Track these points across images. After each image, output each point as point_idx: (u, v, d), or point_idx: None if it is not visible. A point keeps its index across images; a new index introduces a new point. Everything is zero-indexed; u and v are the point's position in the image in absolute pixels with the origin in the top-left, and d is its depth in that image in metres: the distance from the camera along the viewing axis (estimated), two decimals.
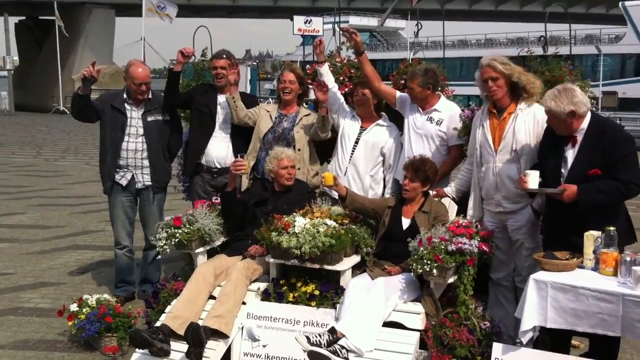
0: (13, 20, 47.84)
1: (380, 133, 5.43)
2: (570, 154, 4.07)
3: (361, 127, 5.45)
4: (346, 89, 5.85)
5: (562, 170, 4.09)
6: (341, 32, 5.39)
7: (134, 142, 5.58)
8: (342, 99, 5.58)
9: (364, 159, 5.34)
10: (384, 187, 5.48)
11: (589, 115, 4.05)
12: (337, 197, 5.14)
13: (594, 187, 3.92)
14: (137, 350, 4.44)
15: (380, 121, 5.48)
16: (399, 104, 5.36)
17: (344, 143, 5.45)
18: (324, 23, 38.73)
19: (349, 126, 5.47)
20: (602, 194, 3.92)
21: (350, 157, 5.39)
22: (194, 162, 5.73)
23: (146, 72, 5.63)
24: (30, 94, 41.84)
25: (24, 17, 49.01)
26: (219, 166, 5.69)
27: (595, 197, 3.92)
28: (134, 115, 5.61)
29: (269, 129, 5.53)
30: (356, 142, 5.42)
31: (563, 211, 4.06)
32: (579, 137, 4.04)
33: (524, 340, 3.78)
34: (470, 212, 4.77)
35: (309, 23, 37.85)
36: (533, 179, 4.11)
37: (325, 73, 5.43)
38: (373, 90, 5.39)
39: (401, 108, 5.36)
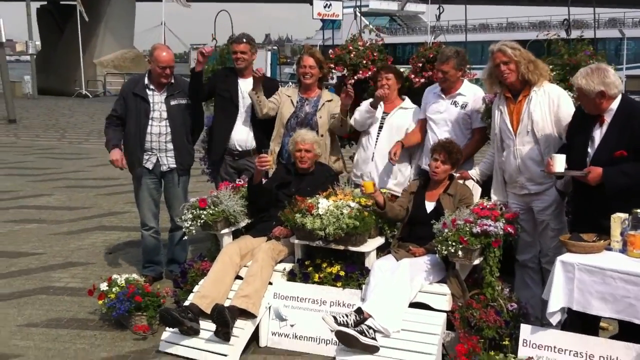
0: (35, 5, 48.16)
1: (404, 116, 5.43)
2: (598, 134, 4.05)
3: (384, 111, 5.45)
4: (369, 72, 5.85)
5: (589, 150, 4.06)
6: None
7: (157, 126, 5.64)
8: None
9: (389, 143, 5.32)
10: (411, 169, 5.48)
11: (619, 97, 4.02)
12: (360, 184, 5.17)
13: (619, 170, 3.89)
14: (167, 329, 4.54)
15: (403, 104, 5.48)
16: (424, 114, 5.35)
17: (368, 129, 5.46)
18: (343, 7, 38.49)
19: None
20: (628, 177, 3.89)
21: (376, 142, 5.41)
22: (222, 147, 5.77)
23: (171, 55, 5.67)
24: (53, 78, 42.09)
25: (45, 2, 49.25)
26: (240, 149, 5.74)
27: (621, 180, 3.89)
28: (157, 100, 5.65)
29: (292, 114, 5.55)
30: (380, 127, 5.43)
31: (589, 193, 4.04)
32: (608, 118, 4.01)
33: (553, 321, 3.78)
34: (493, 197, 4.77)
35: (329, 7, 37.59)
36: (559, 163, 4.09)
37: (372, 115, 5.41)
38: (397, 76, 5.40)
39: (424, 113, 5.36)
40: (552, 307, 3.74)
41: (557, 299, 3.74)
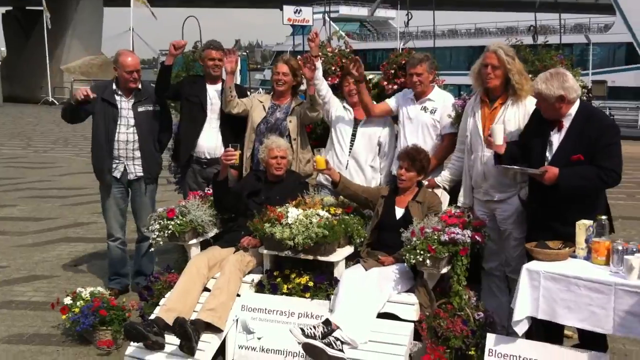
0: (0, 10, 47.38)
1: (376, 123, 5.43)
2: (556, 139, 4.09)
3: (355, 118, 5.44)
4: (337, 80, 5.85)
5: (547, 155, 4.10)
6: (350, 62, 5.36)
7: (125, 134, 5.56)
8: (331, 95, 5.54)
9: (364, 151, 5.36)
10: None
11: (577, 103, 4.07)
12: (330, 187, 5.16)
13: (575, 172, 3.94)
14: (131, 343, 4.44)
15: None
16: (395, 110, 5.36)
17: (340, 136, 5.44)
18: (313, 13, 38.60)
19: (342, 119, 5.46)
20: (583, 179, 3.94)
21: (350, 150, 5.40)
22: (188, 152, 5.71)
23: (136, 60, 5.60)
24: (18, 85, 41.40)
25: (10, 8, 48.45)
26: (208, 157, 5.68)
27: (576, 182, 3.94)
28: (125, 106, 5.58)
29: (262, 120, 5.52)
30: (353, 135, 5.41)
31: (544, 199, 4.08)
32: (566, 123, 4.06)
33: (518, 331, 3.79)
34: (461, 199, 4.80)
35: (299, 13, 37.70)
36: (498, 134, 4.17)
37: (318, 67, 5.39)
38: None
39: (397, 109, 5.36)
40: (518, 316, 3.75)
41: (523, 307, 3.75)
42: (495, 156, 4.32)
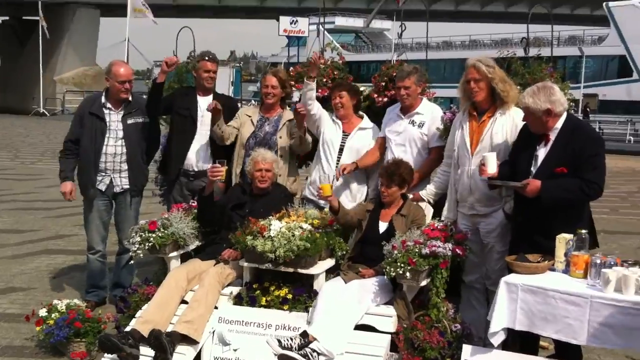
0: None
1: (363, 137, 5.40)
2: (542, 153, 4.09)
3: (343, 132, 5.41)
4: (327, 91, 5.82)
5: (532, 169, 4.10)
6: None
7: (113, 146, 5.51)
8: (322, 112, 5.49)
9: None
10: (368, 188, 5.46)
11: (564, 116, 4.07)
12: (321, 204, 5.17)
13: (558, 184, 3.94)
14: (105, 355, 4.39)
15: (362, 124, 5.44)
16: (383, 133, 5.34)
17: (328, 150, 5.40)
18: (309, 24, 38.68)
19: (330, 133, 5.42)
20: (565, 192, 3.94)
21: (337, 164, 5.35)
22: (177, 167, 5.65)
23: (129, 70, 5.57)
24: (12, 96, 41.32)
25: (7, 18, 48.52)
26: (196, 169, 5.64)
27: (558, 194, 3.93)
28: (113, 119, 5.53)
29: (251, 134, 5.49)
30: (340, 150, 5.37)
31: (528, 211, 4.08)
32: (552, 136, 4.06)
33: (494, 342, 3.77)
34: (444, 212, 4.78)
35: (295, 24, 37.79)
36: (491, 163, 4.15)
37: (312, 88, 5.32)
38: (350, 92, 5.37)
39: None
40: (494, 327, 3.73)
41: (500, 319, 3.73)
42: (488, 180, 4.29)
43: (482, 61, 4.42)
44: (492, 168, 4.17)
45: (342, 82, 5.69)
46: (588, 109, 34.02)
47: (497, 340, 3.76)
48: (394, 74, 5.54)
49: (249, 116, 5.57)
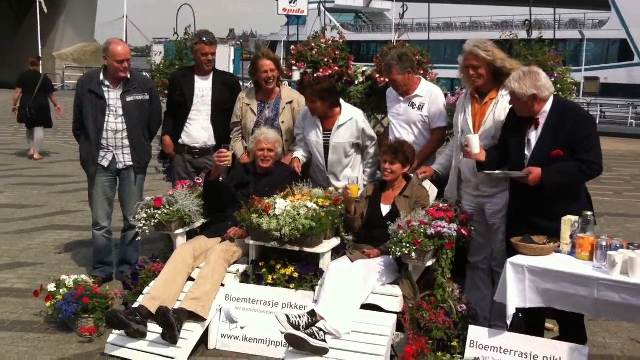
0: None
1: (342, 134, 5.27)
2: (533, 136, 4.10)
3: (325, 129, 5.28)
4: (329, 71, 5.80)
5: (526, 152, 4.11)
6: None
7: (114, 123, 5.50)
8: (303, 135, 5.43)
9: (338, 162, 5.33)
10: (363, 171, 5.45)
11: (551, 99, 4.08)
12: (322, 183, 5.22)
13: (558, 169, 3.95)
14: (113, 331, 4.43)
15: (340, 119, 5.26)
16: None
17: (316, 152, 5.35)
18: (309, 3, 38.30)
19: (313, 135, 5.33)
20: (566, 175, 3.96)
21: (326, 164, 5.34)
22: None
23: (127, 49, 5.53)
24: (10, 71, 40.87)
25: None
26: (200, 147, 5.69)
27: (560, 179, 3.95)
28: (113, 96, 5.51)
29: (255, 124, 5.50)
30: (326, 149, 5.31)
31: (525, 193, 4.09)
32: (542, 120, 4.07)
33: (508, 321, 3.82)
34: (446, 195, 4.81)
35: (294, 3, 37.43)
36: (474, 144, 4.18)
37: (302, 160, 5.36)
38: (322, 99, 5.15)
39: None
40: (511, 310, 3.78)
41: (513, 301, 3.78)
42: (477, 164, 4.31)
43: (480, 46, 4.37)
44: (475, 149, 4.19)
45: (311, 88, 5.18)
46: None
47: (509, 320, 3.81)
48: None
49: (248, 104, 5.57)
